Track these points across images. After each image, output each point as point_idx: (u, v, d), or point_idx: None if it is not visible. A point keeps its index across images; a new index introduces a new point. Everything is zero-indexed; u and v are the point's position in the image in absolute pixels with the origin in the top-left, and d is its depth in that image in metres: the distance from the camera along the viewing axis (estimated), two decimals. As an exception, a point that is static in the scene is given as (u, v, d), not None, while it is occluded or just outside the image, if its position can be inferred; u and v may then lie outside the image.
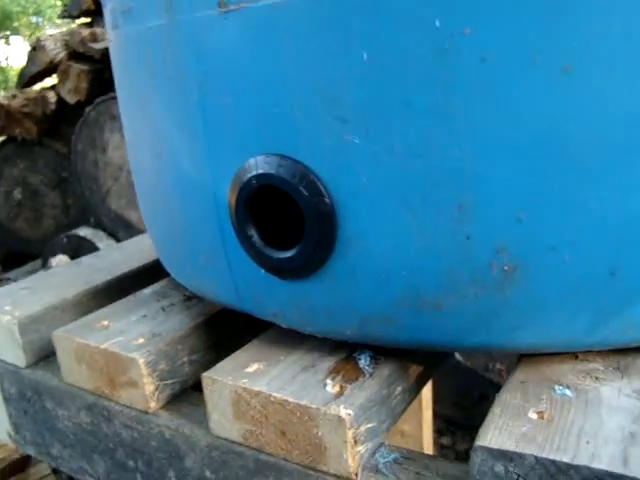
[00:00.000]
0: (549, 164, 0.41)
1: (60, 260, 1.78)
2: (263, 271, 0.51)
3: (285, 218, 0.50)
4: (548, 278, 0.44)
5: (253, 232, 0.50)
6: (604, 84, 0.39)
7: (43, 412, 0.71)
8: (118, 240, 1.96)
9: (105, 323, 0.66)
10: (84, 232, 1.98)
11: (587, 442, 0.40)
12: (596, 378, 0.48)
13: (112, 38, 0.64)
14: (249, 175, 0.48)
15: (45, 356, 0.71)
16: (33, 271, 2.01)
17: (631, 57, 0.38)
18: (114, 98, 1.86)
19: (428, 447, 0.99)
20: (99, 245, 1.95)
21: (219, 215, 0.52)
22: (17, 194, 2.08)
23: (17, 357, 0.70)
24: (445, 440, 1.33)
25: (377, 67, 0.41)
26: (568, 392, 0.46)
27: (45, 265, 1.86)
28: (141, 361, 0.58)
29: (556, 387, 0.46)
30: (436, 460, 0.49)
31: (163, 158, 0.57)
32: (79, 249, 1.98)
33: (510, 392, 0.46)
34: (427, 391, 0.98)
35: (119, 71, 0.65)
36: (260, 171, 0.47)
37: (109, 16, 0.64)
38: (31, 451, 0.76)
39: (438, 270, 0.45)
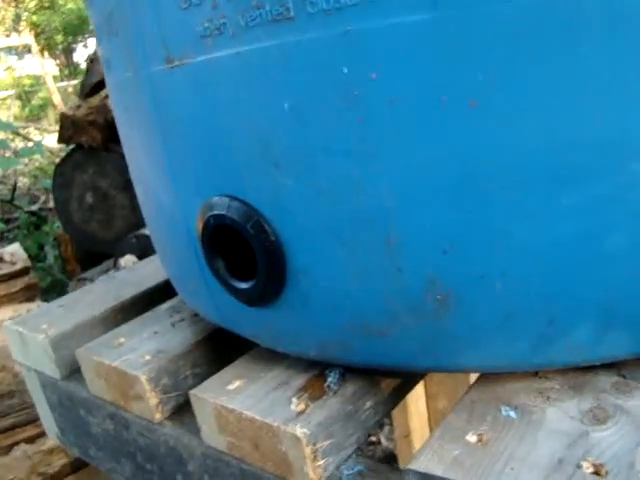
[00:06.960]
0: (465, 198, 0.42)
1: (127, 260, 1.90)
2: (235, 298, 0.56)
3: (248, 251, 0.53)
4: (481, 306, 0.45)
5: (219, 265, 0.54)
6: (509, 116, 0.40)
7: (78, 418, 0.79)
8: (181, 237, 2.06)
9: (122, 340, 0.73)
10: (150, 231, 2.10)
11: (512, 468, 0.41)
12: (547, 398, 0.48)
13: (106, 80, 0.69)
14: (208, 214, 0.52)
15: (76, 369, 0.79)
16: (107, 270, 2.16)
17: (533, 91, 0.39)
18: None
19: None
20: (165, 242, 2.06)
21: (195, 248, 0.57)
22: (89, 198, 2.23)
23: (53, 371, 0.79)
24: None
25: (297, 116, 0.43)
26: (512, 413, 0.46)
27: (115, 265, 1.99)
28: (143, 378, 0.64)
29: (502, 408, 0.47)
30: (398, 472, 0.52)
31: (148, 192, 0.62)
32: (147, 247, 2.10)
33: (457, 412, 0.48)
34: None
35: (114, 108, 0.70)
36: (215, 212, 0.51)
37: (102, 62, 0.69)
38: (76, 451, 0.84)
39: (377, 301, 0.47)
